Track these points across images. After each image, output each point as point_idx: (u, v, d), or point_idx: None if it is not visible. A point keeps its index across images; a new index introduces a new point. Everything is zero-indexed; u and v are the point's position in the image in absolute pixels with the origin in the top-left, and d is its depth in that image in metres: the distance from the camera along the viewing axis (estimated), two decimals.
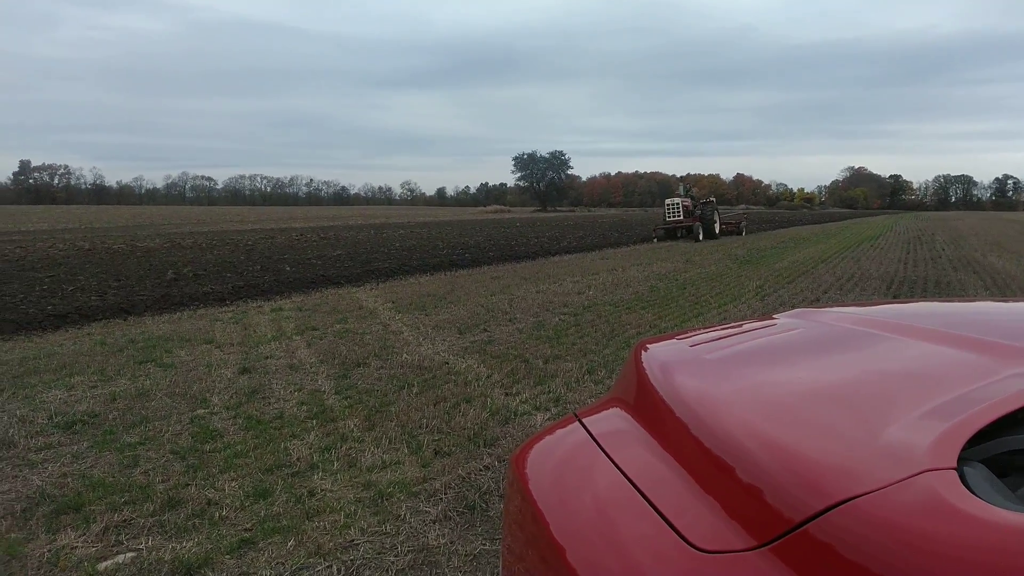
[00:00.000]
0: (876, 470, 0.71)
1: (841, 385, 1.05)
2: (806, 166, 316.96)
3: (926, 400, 0.87)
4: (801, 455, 0.78)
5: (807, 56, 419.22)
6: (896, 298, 10.25)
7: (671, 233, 26.20)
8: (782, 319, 1.53)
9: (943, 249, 20.92)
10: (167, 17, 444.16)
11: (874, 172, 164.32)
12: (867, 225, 43.43)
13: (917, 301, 2.24)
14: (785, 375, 1.15)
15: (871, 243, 24.21)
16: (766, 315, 1.71)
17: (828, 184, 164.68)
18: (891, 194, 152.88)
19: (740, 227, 29.42)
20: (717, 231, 26.66)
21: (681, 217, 25.73)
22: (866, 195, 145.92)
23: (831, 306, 1.67)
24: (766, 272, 14.17)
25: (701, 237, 24.54)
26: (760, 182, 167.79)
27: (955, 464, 0.70)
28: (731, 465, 0.82)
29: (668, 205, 26.41)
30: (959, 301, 1.78)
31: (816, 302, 9.84)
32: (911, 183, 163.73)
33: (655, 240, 25.52)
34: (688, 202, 26.54)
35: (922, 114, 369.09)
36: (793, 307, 1.90)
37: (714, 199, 29.87)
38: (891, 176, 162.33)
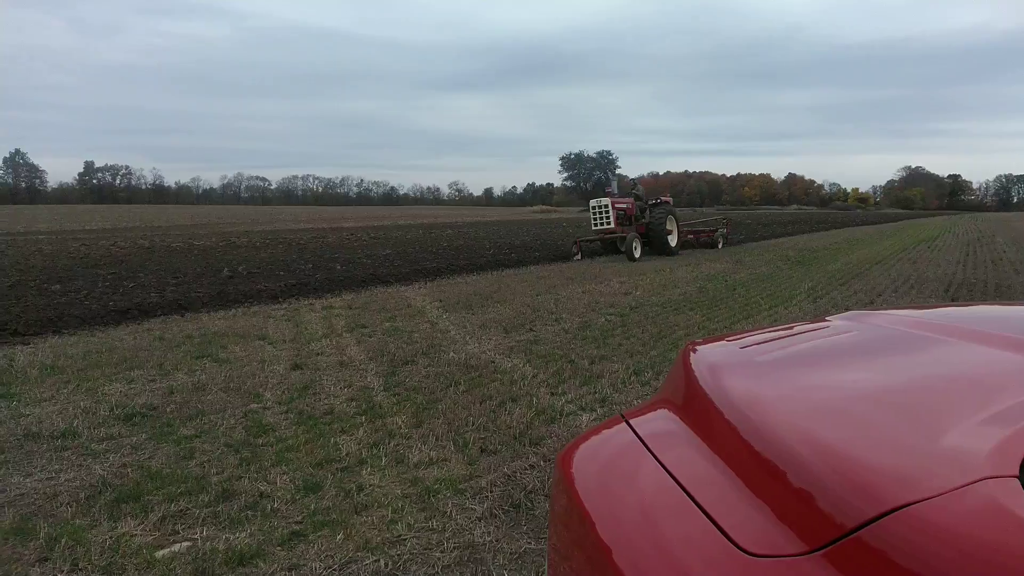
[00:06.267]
0: (933, 476, 0.69)
1: (896, 389, 1.02)
2: (860, 166, 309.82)
3: (986, 405, 0.84)
4: (855, 459, 0.77)
5: (858, 56, 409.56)
6: (954, 301, 9.92)
7: (610, 246, 18.55)
8: (835, 321, 1.50)
9: (1004, 251, 20.18)
10: (225, 24, 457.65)
11: (932, 172, 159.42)
12: (924, 226, 42.12)
13: (977, 304, 2.16)
14: (838, 378, 1.13)
15: (928, 244, 23.48)
16: (819, 317, 1.68)
17: (883, 184, 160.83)
18: (949, 194, 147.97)
19: (715, 238, 21.53)
20: (674, 243, 18.67)
21: (612, 225, 17.73)
22: (923, 195, 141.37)
23: (886, 309, 1.63)
24: (818, 274, 13.86)
25: (637, 255, 16.81)
26: (812, 182, 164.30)
27: (1017, 472, 0.68)
28: (782, 469, 0.81)
29: (594, 208, 18.01)
30: (1021, 305, 1.72)
31: (870, 304, 9.59)
32: (971, 183, 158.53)
33: (578, 257, 17.88)
34: (627, 204, 18.62)
35: (981, 112, 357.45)
36: (846, 309, 1.86)
37: (670, 199, 20.52)
38: (950, 176, 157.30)
